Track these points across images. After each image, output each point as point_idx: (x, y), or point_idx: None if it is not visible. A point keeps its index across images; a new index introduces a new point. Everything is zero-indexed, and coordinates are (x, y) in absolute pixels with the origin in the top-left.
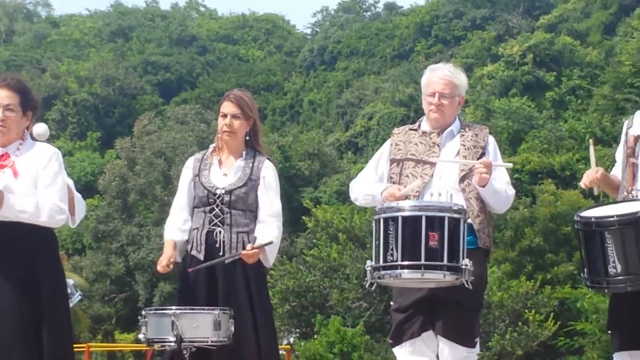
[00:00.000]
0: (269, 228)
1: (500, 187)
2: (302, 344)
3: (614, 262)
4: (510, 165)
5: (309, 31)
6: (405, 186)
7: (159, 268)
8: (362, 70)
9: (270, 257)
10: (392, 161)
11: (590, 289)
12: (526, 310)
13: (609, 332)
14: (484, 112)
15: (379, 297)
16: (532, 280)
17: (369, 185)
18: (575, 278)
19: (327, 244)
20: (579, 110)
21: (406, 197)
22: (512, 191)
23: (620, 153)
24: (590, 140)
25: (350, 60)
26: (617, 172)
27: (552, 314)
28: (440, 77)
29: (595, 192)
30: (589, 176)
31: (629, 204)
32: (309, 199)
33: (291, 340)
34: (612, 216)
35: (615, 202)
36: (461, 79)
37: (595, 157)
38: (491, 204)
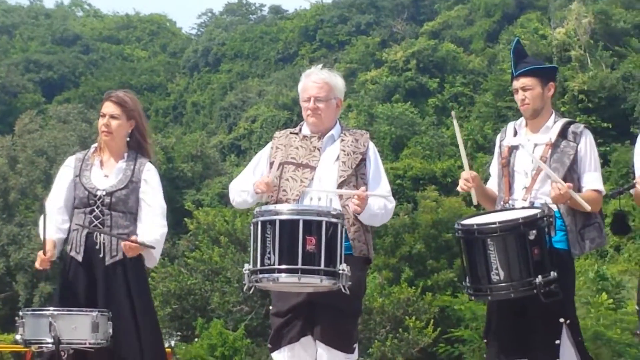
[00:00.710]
0: (151, 229)
1: (379, 209)
2: (183, 347)
3: (496, 269)
4: (386, 194)
5: (194, 32)
6: (284, 190)
7: (37, 264)
8: (246, 72)
9: (154, 258)
10: (272, 164)
11: (472, 297)
12: (407, 317)
13: (485, 340)
14: (367, 117)
15: (260, 301)
16: (413, 287)
17: (245, 183)
18: (455, 285)
19: (208, 246)
20: (461, 117)
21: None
22: (392, 204)
23: (495, 166)
24: (453, 113)
25: (234, 62)
26: (492, 185)
27: (432, 321)
28: (314, 81)
29: (474, 201)
30: (464, 177)
31: (508, 212)
32: (191, 201)
33: (172, 343)
34: (494, 223)
35: (495, 211)
36: (337, 81)
37: (459, 131)
38: (368, 225)
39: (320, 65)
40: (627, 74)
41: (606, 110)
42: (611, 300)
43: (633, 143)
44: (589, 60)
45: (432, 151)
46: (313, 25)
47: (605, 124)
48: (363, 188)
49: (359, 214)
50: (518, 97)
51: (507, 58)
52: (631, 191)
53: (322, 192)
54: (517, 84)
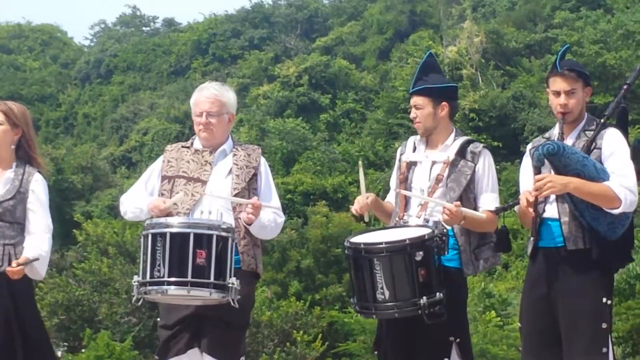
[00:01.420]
0: (38, 242)
1: (269, 221)
2: (70, 357)
3: (382, 288)
4: (278, 206)
5: (86, 43)
6: (175, 203)
7: None
8: (139, 85)
9: (40, 271)
10: (164, 178)
11: (359, 314)
12: (295, 331)
13: (375, 352)
14: (259, 132)
15: (148, 312)
16: (301, 301)
17: (139, 200)
18: (344, 300)
19: (97, 258)
20: (352, 134)
21: (169, 213)
22: (281, 218)
23: (394, 179)
24: (359, 162)
25: (126, 74)
26: (391, 198)
27: (320, 335)
28: (207, 96)
29: (366, 219)
30: (360, 202)
31: (399, 230)
32: (80, 213)
33: (59, 353)
34: (381, 243)
35: (387, 227)
36: (229, 97)
37: (364, 179)
38: (258, 236)
39: (214, 82)
40: (517, 93)
41: (496, 129)
42: (499, 318)
43: (522, 162)
44: (480, 79)
45: (323, 167)
46: (206, 38)
47: (496, 143)
48: (255, 198)
49: (250, 224)
50: (412, 114)
51: (398, 75)
52: (515, 208)
53: (218, 197)
54: (411, 101)
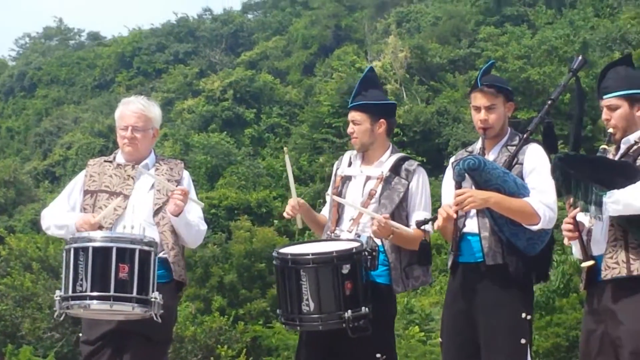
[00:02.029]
0: None
1: (194, 220)
2: None
3: (307, 300)
4: (202, 204)
5: (13, 55)
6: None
7: None
8: (62, 99)
9: None
10: (86, 192)
11: (284, 326)
12: (219, 346)
13: None
14: (183, 146)
15: (71, 327)
16: (225, 316)
17: (62, 215)
18: (268, 315)
19: (20, 272)
20: (277, 148)
21: (100, 227)
22: (204, 227)
23: (329, 194)
24: (285, 149)
25: (50, 88)
26: (325, 212)
27: (244, 350)
28: (133, 110)
29: (299, 225)
30: (291, 204)
31: (329, 243)
32: (3, 227)
33: None
34: (309, 254)
35: (318, 240)
36: (155, 112)
37: (291, 168)
38: (184, 236)
39: (140, 96)
40: (441, 108)
41: (420, 144)
42: (422, 333)
43: None
44: (404, 94)
45: (247, 181)
46: (130, 52)
47: (420, 158)
48: (184, 188)
49: (177, 215)
50: (349, 129)
51: (323, 90)
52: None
53: (150, 175)
54: (349, 116)
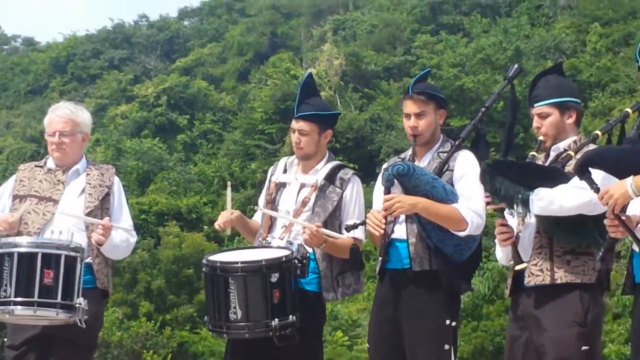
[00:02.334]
0: None
1: (121, 241)
2: None
3: (235, 307)
4: (129, 226)
5: None
6: (25, 223)
7: None
8: None
9: None
10: (15, 197)
11: (211, 333)
12: (145, 351)
13: None
14: (115, 152)
15: None
16: (152, 321)
17: None
18: (195, 320)
19: None
20: (209, 154)
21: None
22: (133, 239)
23: (262, 200)
24: (228, 183)
25: None
26: (258, 218)
27: (170, 355)
28: (60, 115)
29: (228, 232)
30: (224, 217)
31: (259, 250)
32: None
33: None
34: (237, 262)
35: (249, 247)
36: (83, 116)
37: (231, 198)
38: (109, 256)
39: (69, 102)
40: (375, 115)
41: (353, 151)
42: (346, 338)
43: None
44: (338, 101)
45: (178, 187)
46: (65, 58)
47: (352, 165)
48: (107, 218)
49: (101, 245)
50: (293, 138)
51: (257, 96)
52: (367, 228)
53: (70, 216)
54: (295, 125)
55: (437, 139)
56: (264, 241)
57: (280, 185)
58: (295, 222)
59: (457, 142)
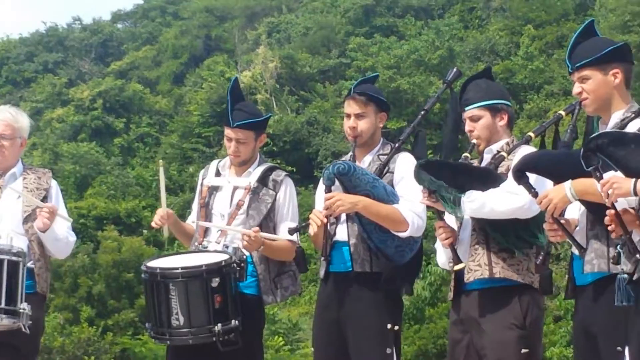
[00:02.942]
0: None
1: (62, 234)
2: None
3: (177, 313)
4: (71, 220)
5: None
6: None
7: None
8: None
9: None
10: None
11: (154, 340)
12: (87, 357)
13: None
14: (52, 156)
15: None
16: (93, 327)
17: None
18: (137, 325)
19: None
20: (146, 158)
21: None
22: (73, 238)
23: (196, 203)
24: (160, 162)
25: None
26: (192, 220)
27: None
28: (0, 119)
29: (165, 233)
30: (159, 214)
31: (197, 255)
32: None
33: None
34: (178, 268)
35: (185, 252)
36: (22, 121)
37: (164, 182)
38: (51, 249)
39: (9, 106)
40: (311, 118)
41: (290, 154)
42: (283, 342)
43: (316, 187)
44: (274, 104)
45: (116, 191)
46: None
47: (290, 168)
48: (52, 205)
49: (45, 230)
50: (231, 146)
51: (193, 99)
52: (310, 230)
53: (16, 192)
54: (232, 134)
55: (377, 141)
56: (200, 246)
57: (213, 189)
58: (231, 229)
59: (397, 145)
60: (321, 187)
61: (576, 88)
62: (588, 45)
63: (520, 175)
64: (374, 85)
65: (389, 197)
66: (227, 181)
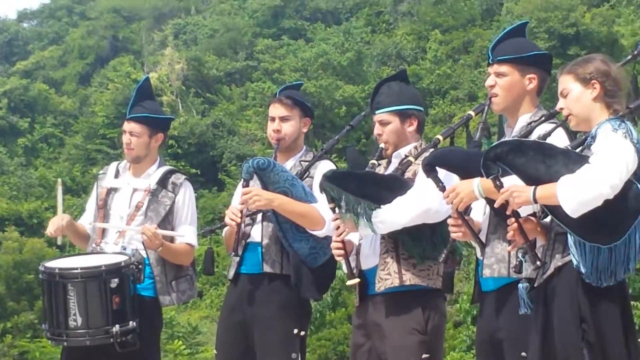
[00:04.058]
0: None
1: None
2: None
3: (75, 314)
4: None
5: None
6: None
7: None
8: None
9: None
10: None
11: (50, 341)
12: None
13: None
14: None
15: None
16: None
17: None
18: (36, 327)
19: None
20: (50, 159)
21: None
22: None
23: (92, 204)
24: (59, 180)
25: None
26: (85, 222)
27: None
28: None
29: (59, 242)
30: (55, 224)
31: (95, 256)
32: None
33: None
34: (77, 268)
35: (85, 253)
36: None
37: (62, 200)
38: None
39: None
40: (217, 121)
41: (195, 156)
42: (183, 346)
43: (220, 189)
44: (180, 106)
45: (19, 192)
46: None
47: (194, 170)
48: None
49: None
50: (124, 139)
51: (98, 100)
52: (223, 233)
53: None
54: (126, 126)
55: (300, 147)
56: (97, 247)
57: (112, 190)
58: (128, 229)
59: (319, 154)
60: (239, 188)
61: (490, 80)
62: (515, 43)
63: (429, 169)
64: (298, 92)
65: (307, 197)
66: (126, 183)
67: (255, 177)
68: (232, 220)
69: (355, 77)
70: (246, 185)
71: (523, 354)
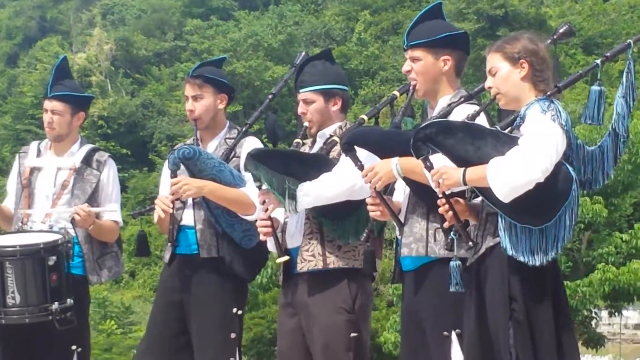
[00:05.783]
0: None
1: None
2: None
3: (13, 292)
4: None
5: None
6: None
7: None
8: None
9: None
10: None
11: None
12: None
13: None
14: None
15: None
16: None
17: None
18: None
19: None
20: None
21: None
22: None
23: (13, 184)
24: None
25: None
26: (9, 203)
27: None
28: None
29: None
30: None
31: (31, 234)
32: None
33: None
34: (15, 246)
35: (9, 232)
36: None
37: None
38: None
39: None
40: (146, 101)
41: (125, 136)
42: (116, 326)
43: (151, 170)
44: (109, 87)
45: None
46: None
47: (124, 151)
48: None
49: None
50: (46, 118)
51: (27, 81)
52: (153, 214)
53: None
54: (48, 105)
55: (222, 124)
56: (24, 226)
57: (35, 169)
58: (63, 211)
59: (244, 129)
60: (166, 171)
61: (406, 66)
62: (428, 26)
63: (348, 148)
64: (217, 68)
65: (236, 181)
66: (49, 162)
67: (182, 166)
68: (164, 211)
69: (286, 57)
70: (174, 175)
71: (445, 333)
